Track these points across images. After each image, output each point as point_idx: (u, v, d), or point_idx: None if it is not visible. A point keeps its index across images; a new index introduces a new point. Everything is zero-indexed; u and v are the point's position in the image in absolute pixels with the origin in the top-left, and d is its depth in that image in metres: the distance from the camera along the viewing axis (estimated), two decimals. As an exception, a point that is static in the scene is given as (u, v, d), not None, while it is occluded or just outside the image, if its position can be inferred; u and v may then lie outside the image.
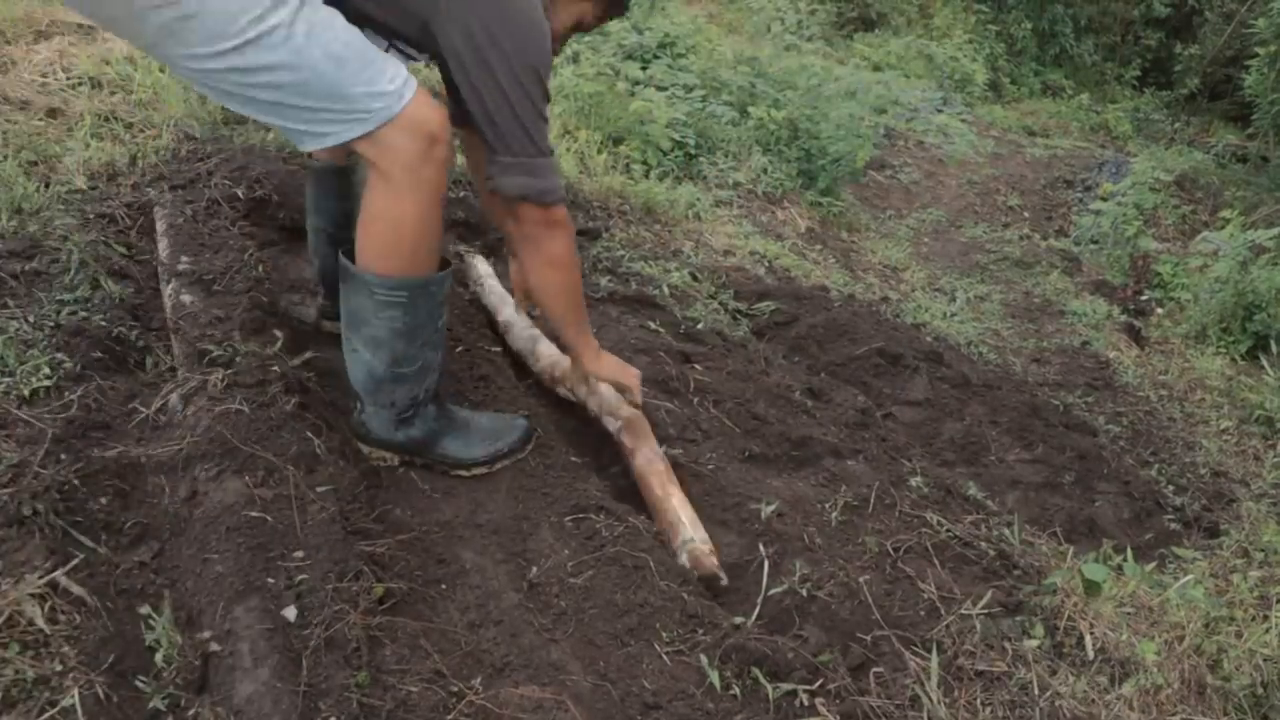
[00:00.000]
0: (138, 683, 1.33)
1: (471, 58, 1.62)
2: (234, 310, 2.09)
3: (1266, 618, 2.02)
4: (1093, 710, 1.65)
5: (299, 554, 1.51)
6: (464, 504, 1.85)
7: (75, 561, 1.43)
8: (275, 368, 1.92)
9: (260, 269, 2.43)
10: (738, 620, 1.68)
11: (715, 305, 3.11)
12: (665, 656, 1.56)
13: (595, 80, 4.30)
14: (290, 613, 1.40)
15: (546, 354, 2.32)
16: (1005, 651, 1.75)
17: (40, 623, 1.31)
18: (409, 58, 1.82)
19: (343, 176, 2.06)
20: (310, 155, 2.07)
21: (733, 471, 2.12)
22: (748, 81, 5.35)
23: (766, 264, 3.65)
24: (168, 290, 2.19)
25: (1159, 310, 4.68)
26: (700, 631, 1.62)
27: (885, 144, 7.01)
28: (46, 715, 1.22)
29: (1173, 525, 2.66)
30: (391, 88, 1.56)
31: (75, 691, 1.25)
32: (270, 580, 1.46)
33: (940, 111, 7.50)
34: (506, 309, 2.51)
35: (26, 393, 1.75)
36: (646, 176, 4.04)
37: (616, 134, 4.22)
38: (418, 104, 1.58)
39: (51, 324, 1.97)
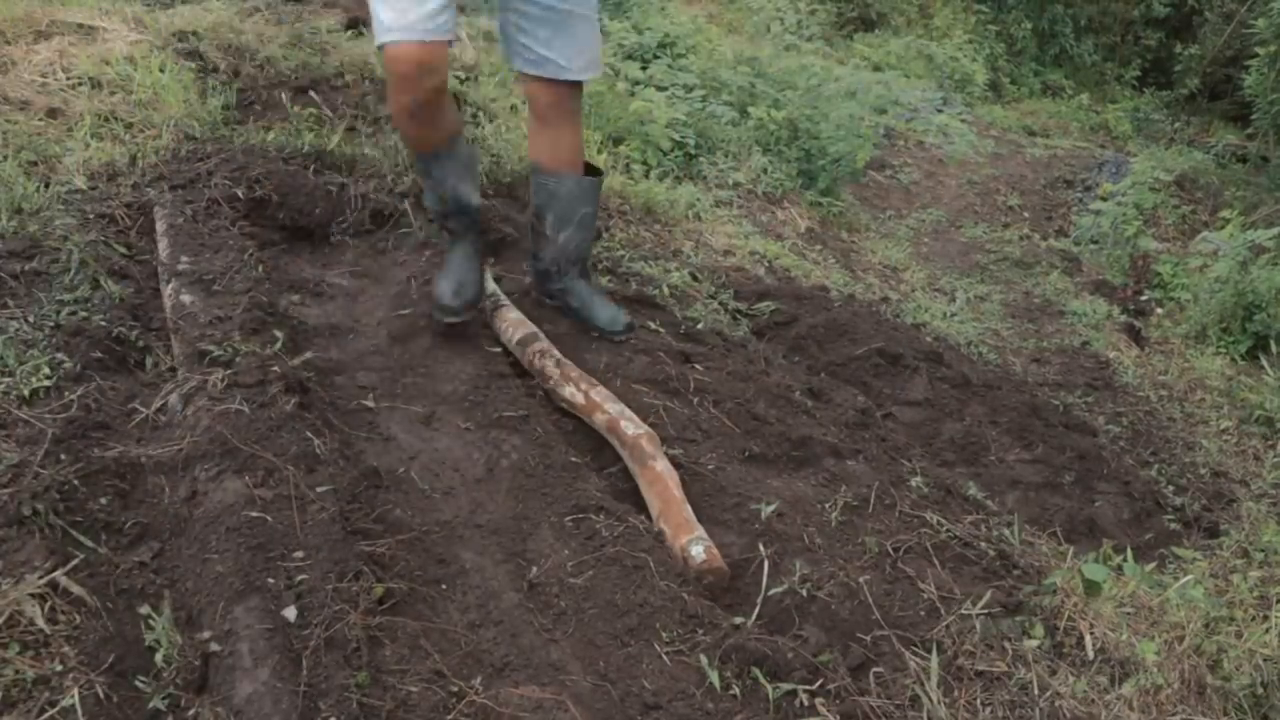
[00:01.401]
0: (138, 683, 1.33)
1: None
2: (234, 310, 2.09)
3: (1266, 618, 2.02)
4: (1093, 710, 1.65)
5: (299, 554, 1.52)
6: (464, 504, 1.85)
7: (75, 562, 1.43)
8: (275, 368, 1.92)
9: (260, 269, 2.43)
10: (738, 620, 1.68)
11: (715, 305, 3.11)
12: (665, 656, 1.56)
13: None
14: (290, 613, 1.40)
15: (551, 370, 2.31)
16: (1005, 651, 1.75)
17: (40, 623, 1.31)
18: None
19: None
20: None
21: (733, 471, 2.12)
22: (748, 81, 5.35)
23: (766, 264, 3.65)
24: (168, 290, 2.19)
25: (1159, 310, 4.68)
26: (700, 631, 1.62)
27: (885, 144, 7.01)
28: (46, 715, 1.22)
29: (1173, 525, 2.66)
30: None
31: (75, 691, 1.25)
32: (270, 580, 1.46)
33: (940, 111, 7.49)
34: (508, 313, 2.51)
35: (26, 393, 1.75)
36: (646, 176, 4.03)
37: (616, 134, 4.22)
38: None
39: (51, 324, 1.98)
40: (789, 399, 2.57)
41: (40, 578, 1.36)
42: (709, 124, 4.78)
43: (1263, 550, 2.41)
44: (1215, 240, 4.76)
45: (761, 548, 1.88)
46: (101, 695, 1.27)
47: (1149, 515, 2.71)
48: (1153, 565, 2.21)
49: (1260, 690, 1.78)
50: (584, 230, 2.44)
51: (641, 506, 1.95)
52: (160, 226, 2.45)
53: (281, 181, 2.79)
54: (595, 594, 1.66)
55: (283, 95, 3.47)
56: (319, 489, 1.66)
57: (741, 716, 1.49)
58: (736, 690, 1.54)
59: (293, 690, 1.30)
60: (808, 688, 1.56)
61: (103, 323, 2.03)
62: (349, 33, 4.43)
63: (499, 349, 2.42)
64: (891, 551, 1.96)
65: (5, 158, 2.58)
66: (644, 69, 4.93)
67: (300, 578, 1.47)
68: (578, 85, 2.29)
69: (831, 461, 2.29)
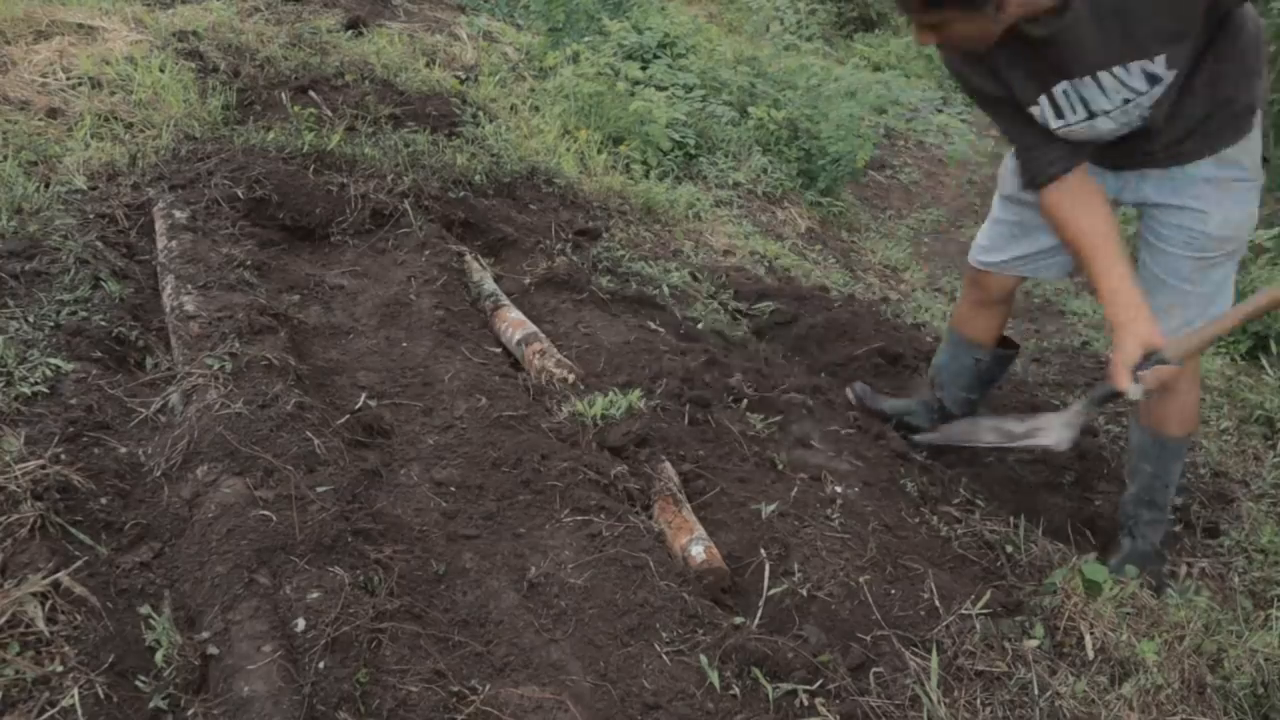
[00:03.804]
0: (138, 683, 1.33)
1: None
2: (234, 310, 2.09)
3: (1266, 618, 2.02)
4: (1093, 710, 1.65)
5: (299, 554, 1.51)
6: (464, 504, 1.85)
7: (78, 564, 1.43)
8: (275, 368, 1.92)
9: (260, 269, 2.43)
10: (738, 620, 1.68)
11: (715, 305, 3.11)
12: (665, 656, 1.56)
13: (595, 80, 4.30)
14: (300, 624, 1.40)
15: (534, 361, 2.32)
16: (1005, 651, 1.75)
17: (40, 624, 1.31)
18: None
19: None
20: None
21: (733, 471, 2.12)
22: (748, 81, 5.34)
23: (766, 264, 3.65)
24: (167, 290, 2.19)
25: (1159, 310, 4.66)
26: (700, 631, 1.62)
27: (885, 144, 7.00)
28: (46, 715, 1.22)
29: (1173, 525, 2.65)
30: None
31: (75, 691, 1.25)
32: (270, 581, 1.46)
33: (940, 111, 7.48)
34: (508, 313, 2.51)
35: (28, 392, 1.75)
36: (646, 176, 4.03)
37: (616, 134, 4.21)
38: None
39: (51, 324, 1.98)
40: (789, 399, 2.57)
41: (43, 578, 1.36)
42: (709, 124, 4.78)
43: (1262, 551, 2.41)
44: (1215, 240, 4.75)
45: (761, 548, 1.88)
46: (101, 695, 1.27)
47: (1149, 515, 2.70)
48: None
49: (1260, 690, 1.78)
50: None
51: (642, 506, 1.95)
52: (160, 226, 2.45)
53: (281, 181, 2.79)
54: (595, 594, 1.66)
55: (283, 95, 3.47)
56: (319, 489, 1.66)
57: (741, 716, 1.49)
58: (736, 690, 1.54)
59: (293, 690, 1.30)
60: (808, 688, 1.56)
61: (103, 323, 2.03)
62: (349, 33, 4.43)
63: (499, 349, 2.42)
64: (891, 551, 1.96)
65: (5, 158, 2.58)
66: (644, 69, 4.93)
67: (300, 578, 1.47)
68: None
69: (831, 461, 2.29)
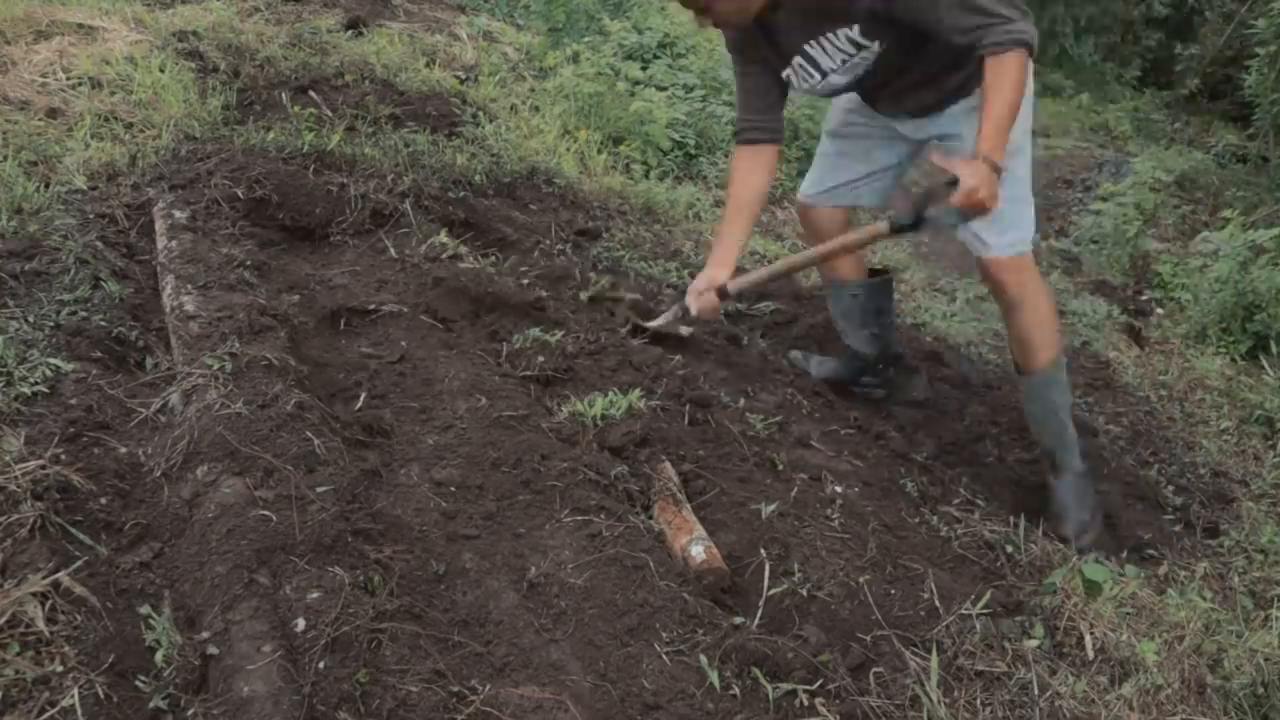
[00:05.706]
0: (138, 683, 1.33)
1: None
2: (234, 310, 2.09)
3: (1266, 618, 2.02)
4: (1093, 710, 1.65)
5: (299, 554, 1.51)
6: (464, 504, 1.85)
7: (77, 564, 1.43)
8: (275, 368, 1.92)
9: (260, 269, 2.43)
10: (738, 620, 1.68)
11: (715, 305, 3.10)
12: (665, 656, 1.56)
13: (595, 80, 4.30)
14: (300, 624, 1.40)
15: None
16: (1005, 651, 1.75)
17: (40, 624, 1.31)
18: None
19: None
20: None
21: (733, 471, 2.12)
22: (748, 81, 5.35)
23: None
24: (167, 290, 2.19)
25: (1159, 310, 4.66)
26: (700, 631, 1.62)
27: (885, 144, 6.99)
28: (46, 715, 1.22)
29: (1173, 525, 2.66)
30: None
31: (75, 691, 1.25)
32: (270, 581, 1.46)
33: (940, 112, 7.46)
34: None
35: (28, 392, 1.75)
36: (646, 176, 4.03)
37: (616, 134, 4.22)
38: None
39: (51, 324, 1.98)
40: (789, 399, 2.57)
41: (43, 578, 1.36)
42: (709, 124, 4.78)
43: (1262, 551, 2.41)
44: (1215, 240, 4.74)
45: (761, 548, 1.87)
46: (101, 695, 1.27)
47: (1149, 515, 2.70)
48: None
49: (1260, 690, 1.78)
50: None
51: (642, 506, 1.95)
52: (160, 226, 2.45)
53: (281, 181, 2.79)
54: (595, 594, 1.66)
55: (283, 95, 3.48)
56: (319, 489, 1.65)
57: (741, 716, 1.49)
58: (736, 690, 1.54)
59: (293, 690, 1.30)
60: (808, 688, 1.56)
61: (103, 323, 2.03)
62: (349, 33, 4.43)
63: (498, 349, 2.41)
64: (891, 551, 1.96)
65: (5, 158, 2.58)
66: (644, 69, 4.93)
67: (300, 578, 1.47)
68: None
69: (832, 462, 2.29)
